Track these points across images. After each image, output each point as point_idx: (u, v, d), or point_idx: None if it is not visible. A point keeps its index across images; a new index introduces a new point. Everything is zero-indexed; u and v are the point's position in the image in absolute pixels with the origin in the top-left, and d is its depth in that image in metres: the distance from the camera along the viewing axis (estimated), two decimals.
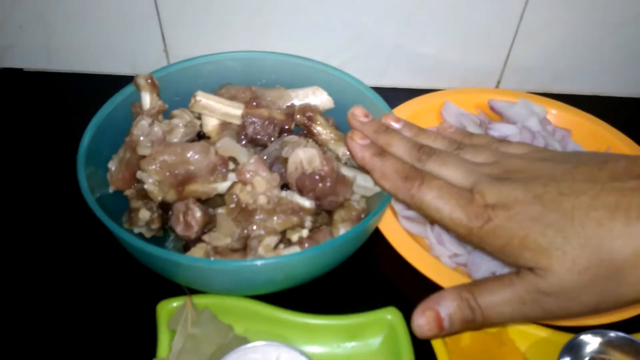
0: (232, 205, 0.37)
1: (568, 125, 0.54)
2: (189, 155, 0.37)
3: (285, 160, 0.39)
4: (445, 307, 0.31)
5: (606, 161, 0.30)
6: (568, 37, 0.58)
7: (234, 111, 0.43)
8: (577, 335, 0.35)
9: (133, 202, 0.40)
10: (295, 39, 0.58)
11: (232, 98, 0.44)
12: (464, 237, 0.31)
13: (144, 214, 0.39)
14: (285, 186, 0.39)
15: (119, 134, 0.41)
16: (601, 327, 0.36)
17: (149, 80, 0.42)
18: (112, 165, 0.40)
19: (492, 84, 0.62)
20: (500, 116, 0.54)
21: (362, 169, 0.38)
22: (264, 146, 0.43)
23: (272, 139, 0.43)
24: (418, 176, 0.33)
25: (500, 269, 0.40)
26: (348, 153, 0.41)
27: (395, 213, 0.45)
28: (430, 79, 0.61)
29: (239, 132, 0.43)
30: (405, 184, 0.33)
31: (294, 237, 0.38)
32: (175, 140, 0.40)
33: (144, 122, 0.39)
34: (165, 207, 0.40)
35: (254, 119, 0.43)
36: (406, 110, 0.53)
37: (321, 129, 0.43)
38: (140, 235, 0.40)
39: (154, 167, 0.37)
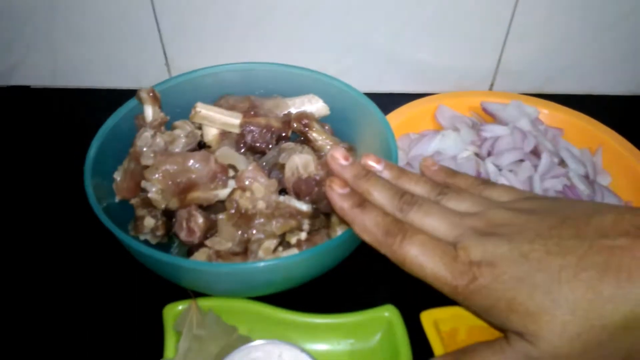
0: (232, 211, 0.39)
1: (560, 125, 0.55)
2: (190, 164, 0.39)
3: (282, 167, 0.41)
4: None
5: (592, 215, 0.28)
6: (558, 38, 0.59)
7: (233, 120, 0.44)
8: None
9: (138, 211, 0.41)
10: (291, 50, 0.60)
11: (231, 108, 0.46)
12: (449, 296, 0.30)
13: (149, 222, 0.41)
14: (283, 191, 0.40)
15: (124, 145, 0.43)
16: None
17: (151, 94, 0.44)
18: (117, 176, 0.42)
19: (485, 87, 0.64)
20: (493, 118, 0.55)
21: (342, 220, 0.36)
22: (263, 153, 0.44)
23: (270, 146, 0.44)
24: (400, 231, 0.31)
25: None
26: None
27: None
28: (424, 84, 0.62)
29: (238, 141, 0.44)
30: (386, 239, 0.31)
31: (293, 240, 0.39)
32: (177, 150, 0.42)
33: (146, 134, 0.41)
34: (169, 215, 0.41)
35: (252, 128, 0.44)
36: (401, 114, 0.55)
37: (317, 135, 0.45)
38: (146, 242, 0.41)
39: (156, 176, 0.38)
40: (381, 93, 0.62)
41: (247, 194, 0.39)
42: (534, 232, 0.29)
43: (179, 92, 0.47)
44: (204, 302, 0.39)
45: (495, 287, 0.28)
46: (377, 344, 0.39)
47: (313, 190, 0.39)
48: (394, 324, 0.38)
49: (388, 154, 0.41)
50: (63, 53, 0.62)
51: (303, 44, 0.60)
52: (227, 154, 0.41)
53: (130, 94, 0.45)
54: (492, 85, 0.63)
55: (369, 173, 0.35)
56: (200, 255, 0.39)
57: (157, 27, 0.59)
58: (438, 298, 0.31)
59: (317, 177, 0.39)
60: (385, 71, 0.62)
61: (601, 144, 0.53)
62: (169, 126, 0.45)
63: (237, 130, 0.44)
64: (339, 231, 0.40)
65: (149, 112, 0.44)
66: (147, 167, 0.39)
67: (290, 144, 0.42)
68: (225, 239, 0.39)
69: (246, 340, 0.37)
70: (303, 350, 0.34)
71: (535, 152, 0.50)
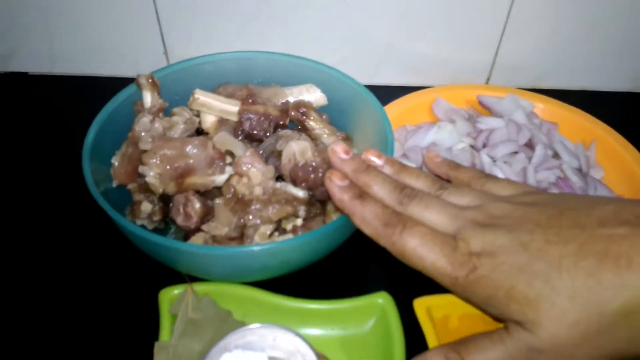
0: (229, 196, 0.39)
1: (555, 119, 0.55)
2: (188, 149, 0.39)
3: (279, 154, 0.41)
4: None
5: (594, 206, 0.29)
6: (554, 34, 0.60)
7: (231, 108, 0.44)
8: None
9: (135, 196, 0.42)
10: (290, 39, 0.60)
11: (230, 96, 0.46)
12: (448, 287, 0.30)
13: (146, 207, 0.41)
14: (280, 178, 0.41)
15: (122, 131, 0.43)
16: None
17: (150, 80, 0.44)
18: (115, 161, 0.42)
19: (482, 81, 0.64)
20: (489, 111, 0.56)
21: (341, 212, 0.36)
22: (260, 141, 0.45)
23: (268, 134, 0.45)
24: (399, 222, 0.31)
25: None
26: None
27: None
28: (421, 76, 0.63)
29: (236, 128, 0.45)
30: (386, 230, 0.31)
31: (289, 226, 0.40)
32: (175, 136, 0.42)
33: (145, 119, 0.41)
34: (165, 200, 0.42)
35: (250, 115, 0.44)
36: (398, 106, 0.55)
37: (314, 124, 0.45)
38: (143, 228, 0.42)
39: (154, 160, 0.39)
40: (378, 85, 0.62)
41: (244, 179, 0.39)
42: (533, 222, 0.29)
43: (177, 80, 0.47)
44: (199, 287, 0.39)
45: (495, 277, 0.28)
46: (370, 330, 0.39)
47: (309, 177, 0.39)
48: (388, 310, 0.39)
49: (384, 144, 0.42)
50: (61, 40, 0.62)
51: (301, 34, 0.60)
52: (225, 140, 0.41)
53: (128, 81, 0.45)
54: (488, 79, 0.64)
55: (369, 167, 0.35)
56: (196, 240, 0.39)
57: (157, 15, 0.59)
58: (431, 286, 0.32)
59: (314, 164, 0.39)
60: (383, 63, 0.62)
61: (595, 139, 0.53)
62: (167, 113, 0.45)
63: (235, 118, 0.45)
64: (334, 218, 0.41)
65: (148, 98, 0.44)
66: (145, 151, 0.40)
67: (287, 132, 0.43)
68: (222, 224, 0.39)
69: (241, 324, 0.38)
70: (297, 334, 0.35)
71: (530, 145, 0.51)
